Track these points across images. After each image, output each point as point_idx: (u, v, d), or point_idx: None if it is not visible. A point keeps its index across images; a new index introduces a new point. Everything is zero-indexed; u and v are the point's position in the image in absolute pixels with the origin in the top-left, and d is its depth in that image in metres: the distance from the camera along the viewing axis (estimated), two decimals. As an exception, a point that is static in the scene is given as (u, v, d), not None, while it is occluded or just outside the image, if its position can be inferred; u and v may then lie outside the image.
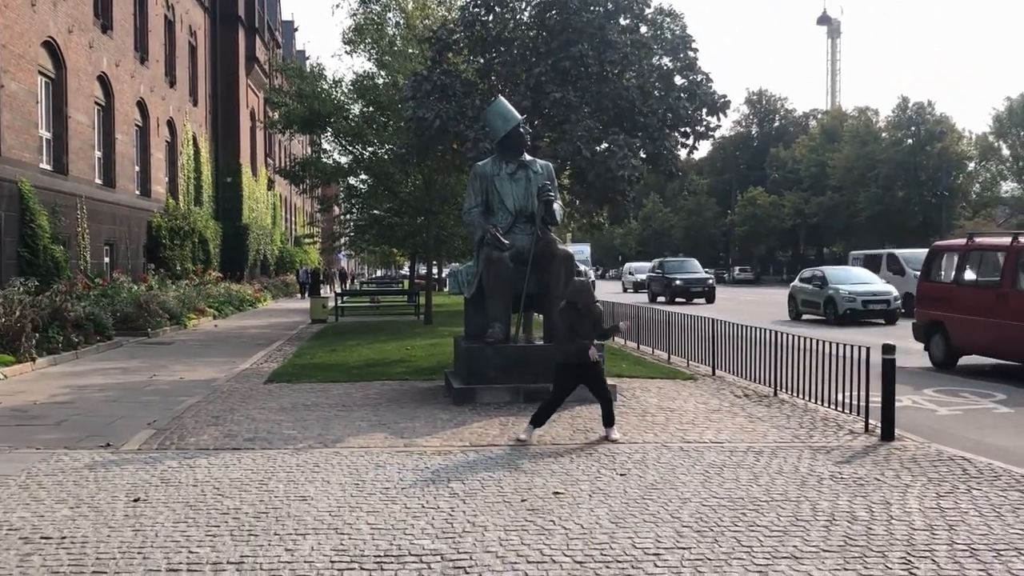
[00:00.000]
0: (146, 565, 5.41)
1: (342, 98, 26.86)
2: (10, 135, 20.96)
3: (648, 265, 51.53)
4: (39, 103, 23.19)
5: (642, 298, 42.40)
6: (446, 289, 19.09)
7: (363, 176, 29.25)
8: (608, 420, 9.20)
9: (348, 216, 32.72)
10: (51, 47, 23.88)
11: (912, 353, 15.98)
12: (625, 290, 59.15)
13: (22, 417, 10.78)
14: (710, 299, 39.27)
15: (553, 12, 15.88)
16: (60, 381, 13.97)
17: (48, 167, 23.83)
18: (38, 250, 21.09)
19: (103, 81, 28.01)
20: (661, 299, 39.78)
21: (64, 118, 24.61)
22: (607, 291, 51.08)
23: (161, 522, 6.26)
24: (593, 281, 25.60)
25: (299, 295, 48.02)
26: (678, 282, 39.85)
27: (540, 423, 9.07)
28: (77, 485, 7.30)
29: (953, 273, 15.97)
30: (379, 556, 5.54)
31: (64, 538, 5.93)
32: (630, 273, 61.32)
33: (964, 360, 15.46)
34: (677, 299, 38.51)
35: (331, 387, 12.91)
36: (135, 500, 6.82)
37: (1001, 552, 5.60)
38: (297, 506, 6.63)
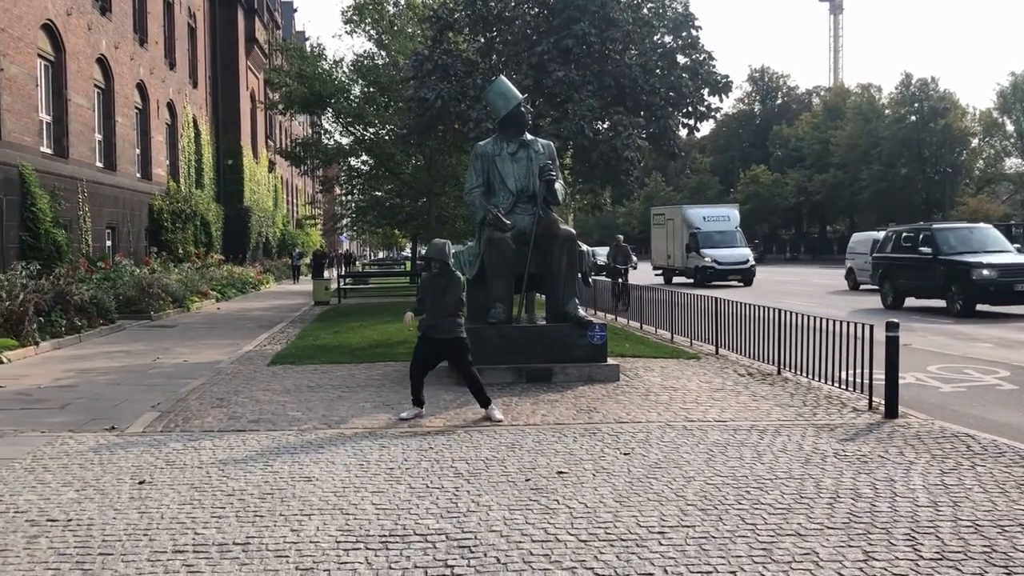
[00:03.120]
0: (152, 547, 5.42)
1: (342, 78, 26.82)
2: (10, 119, 20.90)
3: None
4: (39, 86, 23.12)
5: (871, 302, 24.16)
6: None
7: (364, 157, 29.23)
8: (482, 401, 9.16)
9: (349, 197, 32.71)
10: (50, 30, 23.78)
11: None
12: (857, 286, 30.82)
13: (26, 401, 10.79)
14: None
15: (554, -11, 15.80)
16: (64, 365, 13.99)
17: (48, 150, 23.78)
18: (39, 234, 21.08)
19: (102, 63, 27.91)
20: (916, 302, 22.70)
21: (64, 101, 24.53)
22: (820, 291, 30.15)
23: (167, 504, 6.27)
24: (634, 263, 24.23)
25: (292, 280, 46.60)
26: (985, 272, 20.22)
27: (419, 401, 9.23)
28: (82, 468, 7.32)
29: None
30: (384, 536, 5.55)
31: (70, 520, 5.94)
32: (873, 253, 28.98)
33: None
34: (977, 304, 20.50)
35: (334, 368, 12.91)
36: (140, 482, 6.83)
37: (1005, 528, 5.60)
38: (302, 487, 6.63)
